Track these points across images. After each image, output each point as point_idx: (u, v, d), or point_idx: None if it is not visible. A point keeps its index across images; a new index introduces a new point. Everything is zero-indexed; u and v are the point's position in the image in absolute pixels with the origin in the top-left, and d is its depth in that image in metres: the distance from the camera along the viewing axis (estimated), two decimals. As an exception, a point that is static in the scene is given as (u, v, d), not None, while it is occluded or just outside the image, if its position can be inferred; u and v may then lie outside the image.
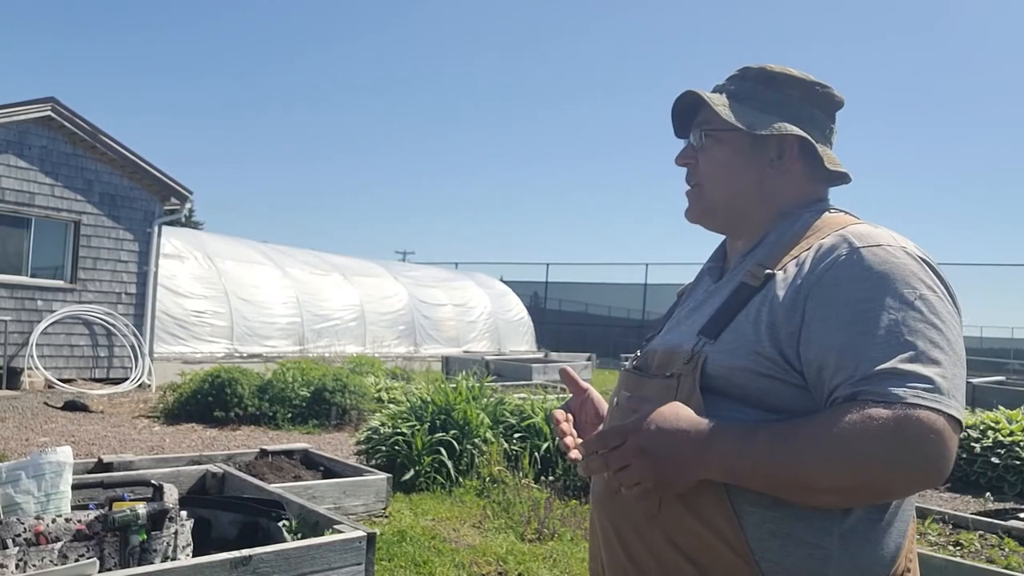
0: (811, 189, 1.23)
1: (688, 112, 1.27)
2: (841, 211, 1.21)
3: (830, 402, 0.99)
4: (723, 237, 1.33)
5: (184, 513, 2.94)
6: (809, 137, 1.19)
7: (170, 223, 12.67)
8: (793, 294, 1.06)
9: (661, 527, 1.08)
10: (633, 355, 1.34)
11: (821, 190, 1.24)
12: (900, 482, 0.95)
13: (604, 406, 1.39)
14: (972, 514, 4.51)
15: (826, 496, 0.96)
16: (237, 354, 12.88)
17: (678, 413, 1.01)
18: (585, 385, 1.42)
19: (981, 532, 4.12)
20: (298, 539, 2.99)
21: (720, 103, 1.20)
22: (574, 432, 1.29)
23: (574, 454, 1.21)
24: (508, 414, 6.37)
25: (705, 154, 1.24)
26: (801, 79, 1.23)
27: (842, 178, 1.25)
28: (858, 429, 0.91)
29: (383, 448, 5.84)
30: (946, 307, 1.02)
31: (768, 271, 1.12)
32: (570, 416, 1.34)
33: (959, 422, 0.94)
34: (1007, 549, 3.84)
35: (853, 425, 0.92)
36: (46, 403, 9.13)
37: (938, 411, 0.92)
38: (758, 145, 1.20)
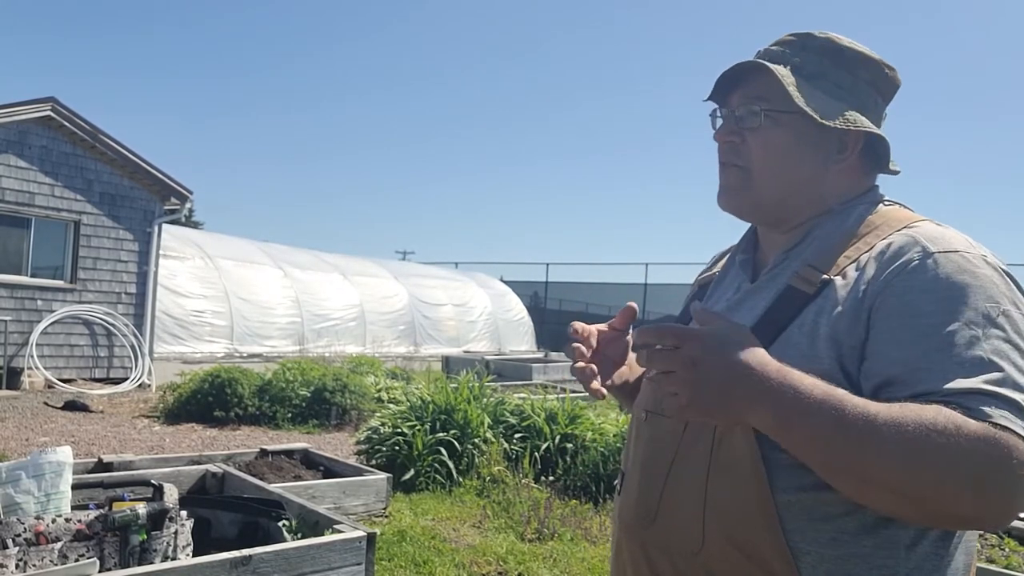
0: (862, 182, 1.10)
1: (732, 77, 1.09)
2: (896, 203, 1.08)
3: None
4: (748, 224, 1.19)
5: (184, 513, 2.94)
6: (883, 135, 1.06)
7: (170, 223, 12.67)
8: (856, 303, 0.94)
9: (704, 562, 0.98)
10: None
11: (871, 181, 1.11)
12: (967, 506, 0.81)
13: (630, 355, 1.22)
14: (972, 514, 4.51)
15: (876, 494, 0.83)
16: (237, 354, 12.87)
17: (747, 341, 0.85)
18: (629, 336, 1.21)
19: (981, 532, 4.12)
20: (298, 539, 2.99)
21: (790, 82, 1.03)
22: (591, 345, 1.13)
23: (580, 365, 1.09)
24: (508, 414, 6.37)
25: (759, 136, 1.07)
26: (872, 59, 1.08)
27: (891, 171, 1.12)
28: (943, 433, 0.78)
29: (383, 448, 5.84)
30: None
31: (824, 276, 0.99)
32: (597, 332, 1.15)
33: None
34: (1007, 549, 3.84)
35: (938, 427, 0.79)
36: (46, 403, 9.13)
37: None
38: (821, 136, 1.05)
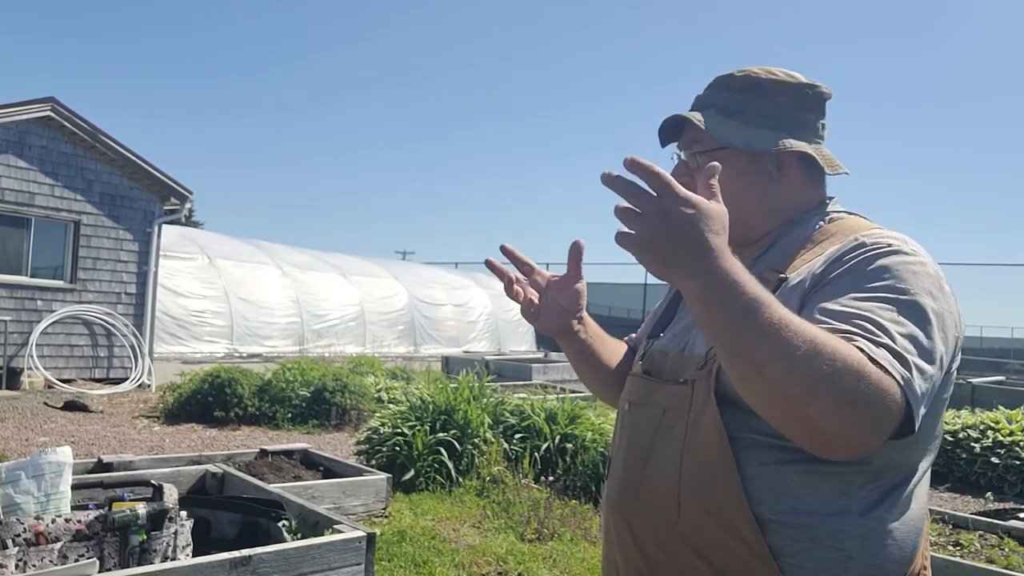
0: (814, 192, 1.22)
1: (675, 126, 1.23)
2: (852, 213, 1.20)
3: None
4: None
5: (184, 513, 2.94)
6: (808, 150, 1.18)
7: (170, 223, 12.67)
8: (803, 297, 1.06)
9: (682, 530, 1.08)
10: (639, 353, 1.31)
11: (823, 190, 1.23)
12: (822, 419, 0.87)
13: (584, 299, 1.40)
14: (972, 514, 4.51)
15: (748, 377, 0.90)
16: (237, 354, 12.87)
17: (719, 226, 0.91)
18: (582, 282, 1.38)
19: (981, 532, 4.12)
20: (298, 539, 2.99)
21: (711, 123, 1.17)
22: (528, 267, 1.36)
23: (515, 291, 1.33)
24: (508, 414, 6.37)
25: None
26: (789, 83, 1.20)
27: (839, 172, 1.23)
28: (835, 353, 0.87)
29: (383, 448, 5.84)
30: (947, 309, 1.00)
31: (780, 275, 1.11)
32: (537, 276, 1.37)
33: (912, 423, 0.90)
34: (1007, 549, 3.84)
35: (835, 347, 0.87)
36: (46, 403, 9.13)
37: (903, 390, 0.89)
38: (756, 162, 1.18)
